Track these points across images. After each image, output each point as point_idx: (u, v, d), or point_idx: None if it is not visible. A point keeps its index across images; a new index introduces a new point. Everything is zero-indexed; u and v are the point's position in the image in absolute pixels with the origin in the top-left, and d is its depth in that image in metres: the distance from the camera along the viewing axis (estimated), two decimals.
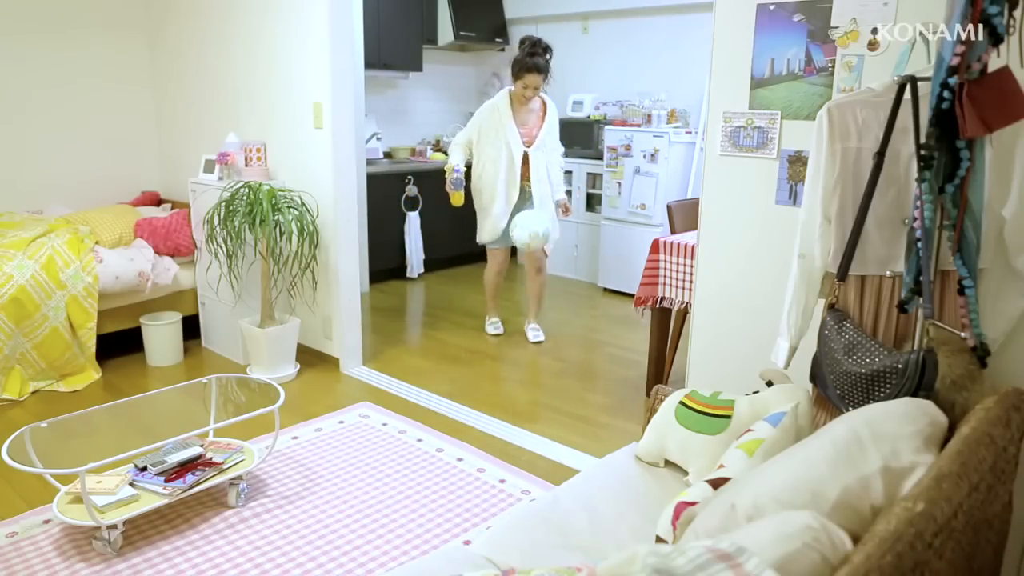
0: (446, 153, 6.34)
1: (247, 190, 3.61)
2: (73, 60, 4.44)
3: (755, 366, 2.47)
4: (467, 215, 6.22)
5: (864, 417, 1.39)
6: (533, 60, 4.02)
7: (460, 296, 5.45)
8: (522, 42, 4.12)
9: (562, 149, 4.38)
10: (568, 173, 5.74)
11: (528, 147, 4.19)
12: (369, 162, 5.64)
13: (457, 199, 4.25)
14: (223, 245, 3.67)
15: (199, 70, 4.41)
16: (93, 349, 3.71)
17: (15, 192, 4.33)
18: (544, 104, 4.27)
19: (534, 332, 4.45)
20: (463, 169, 4.25)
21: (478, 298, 5.39)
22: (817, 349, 1.92)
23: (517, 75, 4.08)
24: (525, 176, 4.22)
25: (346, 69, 3.68)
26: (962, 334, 1.71)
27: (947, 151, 1.59)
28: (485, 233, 4.31)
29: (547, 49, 4.10)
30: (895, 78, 1.74)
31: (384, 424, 3.26)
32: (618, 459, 2.08)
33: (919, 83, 1.69)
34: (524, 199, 4.26)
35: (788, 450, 1.43)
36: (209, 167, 4.06)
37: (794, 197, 2.41)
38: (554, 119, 4.28)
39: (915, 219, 1.66)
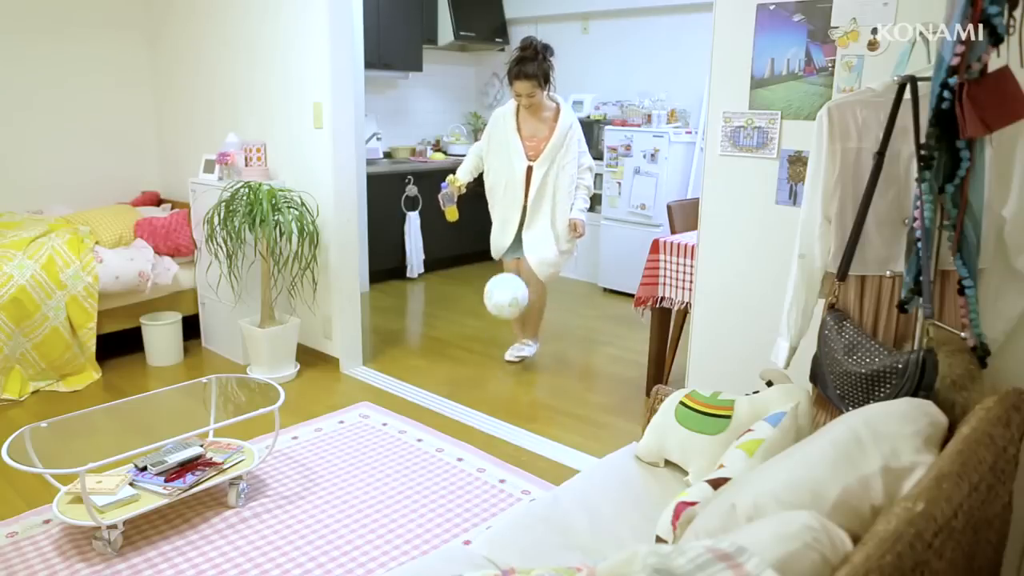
0: (446, 153, 6.37)
1: (247, 190, 3.61)
2: (73, 60, 4.44)
3: (755, 366, 2.47)
4: (467, 215, 6.23)
5: (864, 417, 1.39)
6: (519, 67, 3.65)
7: (460, 296, 5.45)
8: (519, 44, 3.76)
9: (587, 163, 3.87)
10: None
11: (532, 161, 3.78)
12: (369, 162, 5.64)
13: (451, 214, 3.98)
14: (223, 245, 3.67)
15: (199, 70, 4.41)
16: (93, 349, 3.71)
17: (15, 192, 4.33)
18: (558, 112, 3.81)
19: (518, 347, 4.09)
20: (449, 185, 3.93)
21: (478, 298, 5.37)
22: (817, 349, 1.92)
23: (509, 82, 3.72)
24: (527, 193, 3.84)
25: (346, 69, 3.68)
26: (962, 334, 1.71)
27: (947, 151, 1.59)
28: (492, 249, 4.06)
29: (540, 51, 3.67)
30: (895, 78, 1.74)
31: (384, 424, 3.26)
32: (618, 459, 2.08)
33: (919, 83, 1.69)
34: (524, 219, 3.90)
35: (788, 450, 1.43)
36: (209, 167, 4.06)
37: (794, 197, 2.41)
38: (566, 128, 3.77)
39: (915, 219, 1.66)
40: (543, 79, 3.70)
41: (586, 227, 3.89)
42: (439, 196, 3.98)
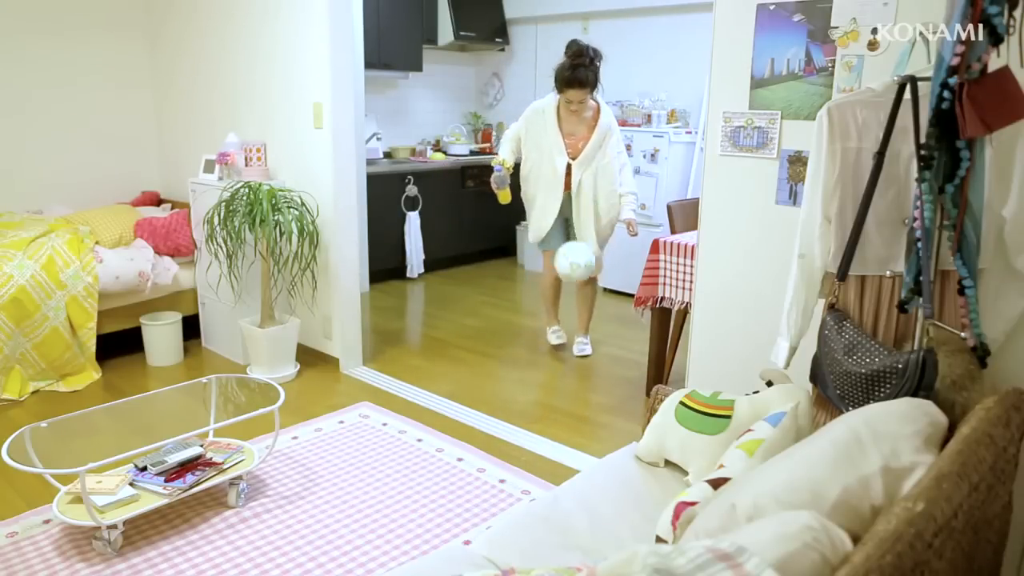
0: (446, 153, 6.38)
1: (247, 190, 3.61)
2: (73, 60, 4.44)
3: (755, 366, 2.47)
4: (468, 215, 6.24)
5: (864, 417, 1.39)
6: (575, 74, 3.68)
7: (460, 296, 5.45)
8: (567, 49, 3.75)
9: (625, 161, 4.01)
10: None
11: (572, 159, 3.89)
12: (369, 162, 5.64)
13: (504, 197, 4.01)
14: (223, 245, 3.67)
15: (199, 70, 4.41)
16: (93, 349, 3.71)
17: (15, 192, 4.33)
18: (597, 111, 3.90)
19: (580, 346, 4.22)
20: (503, 168, 3.96)
21: (478, 298, 5.39)
22: (817, 349, 1.92)
23: (559, 88, 3.77)
24: (567, 186, 3.95)
25: (346, 69, 3.68)
26: (962, 334, 1.71)
27: (947, 151, 1.59)
28: (530, 234, 4.15)
29: (594, 59, 3.72)
30: (895, 78, 1.74)
31: (384, 424, 3.26)
32: (618, 459, 2.08)
33: (919, 83, 1.69)
34: (567, 209, 4.01)
35: (788, 450, 1.43)
36: (209, 167, 4.06)
37: (794, 197, 2.41)
38: (605, 128, 3.89)
39: (915, 219, 1.66)
40: (594, 85, 3.78)
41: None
42: (492, 179, 4.02)
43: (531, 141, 3.97)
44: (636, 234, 4.01)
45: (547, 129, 3.90)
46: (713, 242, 2.64)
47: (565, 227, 4.11)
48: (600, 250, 4.04)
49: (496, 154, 4.12)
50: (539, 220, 4.06)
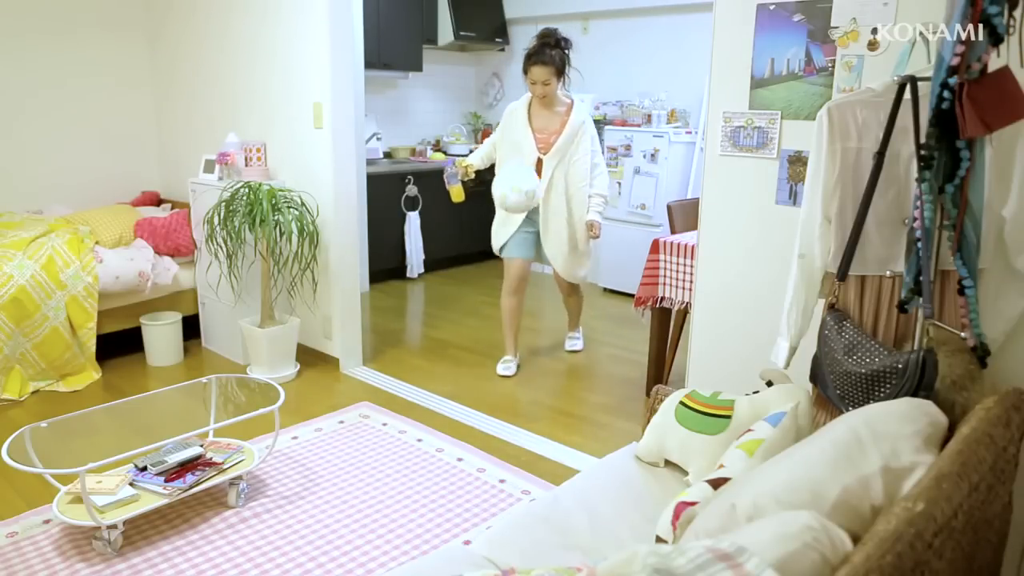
0: (446, 153, 6.38)
1: (247, 190, 3.61)
2: (73, 60, 4.44)
3: (755, 366, 2.47)
4: (468, 215, 6.24)
5: (864, 417, 1.39)
6: (539, 53, 3.64)
7: (460, 296, 5.45)
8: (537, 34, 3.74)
9: (599, 161, 3.86)
10: None
11: (543, 154, 3.78)
12: (369, 162, 5.64)
13: (456, 194, 3.88)
14: (223, 245, 3.67)
15: (199, 70, 4.41)
16: (93, 349, 3.71)
17: (15, 192, 4.33)
18: (570, 108, 3.82)
19: (571, 341, 4.29)
20: (455, 164, 3.84)
21: (478, 298, 5.39)
22: (817, 349, 1.92)
23: (524, 69, 3.71)
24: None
25: (346, 69, 3.68)
26: (962, 334, 1.71)
27: (947, 151, 1.59)
28: (494, 238, 3.99)
29: (559, 42, 3.67)
30: (895, 78, 1.74)
31: (384, 424, 3.26)
32: (618, 459, 2.08)
33: (919, 83, 1.69)
34: (535, 213, 3.84)
35: (788, 450, 1.43)
36: (209, 167, 4.06)
37: (794, 197, 2.41)
38: (578, 124, 3.77)
39: (915, 219, 1.66)
40: (559, 68, 3.70)
41: (602, 229, 3.90)
42: (444, 176, 3.90)
43: (507, 143, 3.89)
44: (597, 236, 3.84)
45: (518, 125, 3.83)
46: (713, 242, 2.64)
47: (535, 239, 3.91)
48: (588, 248, 3.92)
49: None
50: (500, 228, 3.91)
